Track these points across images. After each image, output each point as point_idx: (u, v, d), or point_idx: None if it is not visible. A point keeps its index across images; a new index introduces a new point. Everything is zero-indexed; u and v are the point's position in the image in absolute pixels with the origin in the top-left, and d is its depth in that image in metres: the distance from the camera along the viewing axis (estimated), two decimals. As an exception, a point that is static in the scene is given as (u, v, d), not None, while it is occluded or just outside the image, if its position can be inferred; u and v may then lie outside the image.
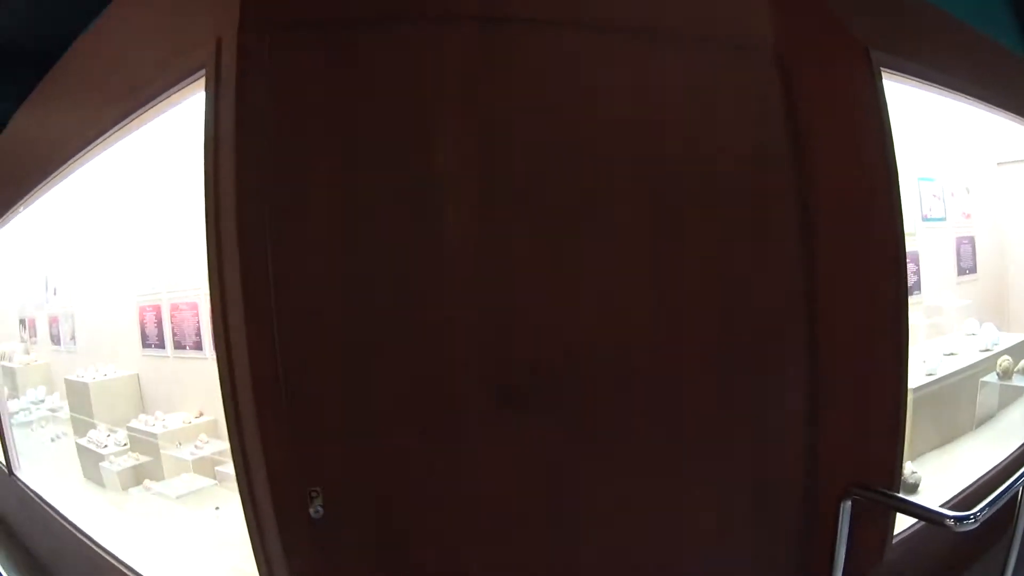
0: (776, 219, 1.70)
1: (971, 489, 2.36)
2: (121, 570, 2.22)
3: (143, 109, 1.79)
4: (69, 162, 2.38)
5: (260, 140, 1.31)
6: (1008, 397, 3.27)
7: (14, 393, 3.78)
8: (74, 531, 2.54)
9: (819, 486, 1.80)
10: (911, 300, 3.37)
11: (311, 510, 1.34)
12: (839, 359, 1.78)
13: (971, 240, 3.89)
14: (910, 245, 3.44)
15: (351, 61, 1.35)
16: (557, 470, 1.41)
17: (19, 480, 3.15)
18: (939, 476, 2.53)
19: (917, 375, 2.87)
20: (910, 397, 2.73)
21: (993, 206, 4.00)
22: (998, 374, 3.20)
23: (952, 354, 3.28)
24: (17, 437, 3.42)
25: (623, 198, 1.51)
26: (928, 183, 3.64)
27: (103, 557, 2.32)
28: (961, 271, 3.80)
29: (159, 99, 1.69)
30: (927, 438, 2.84)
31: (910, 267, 3.44)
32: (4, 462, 3.32)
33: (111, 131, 2.02)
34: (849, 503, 1.79)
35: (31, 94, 2.81)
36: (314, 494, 1.34)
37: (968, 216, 3.86)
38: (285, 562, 1.38)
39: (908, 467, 2.47)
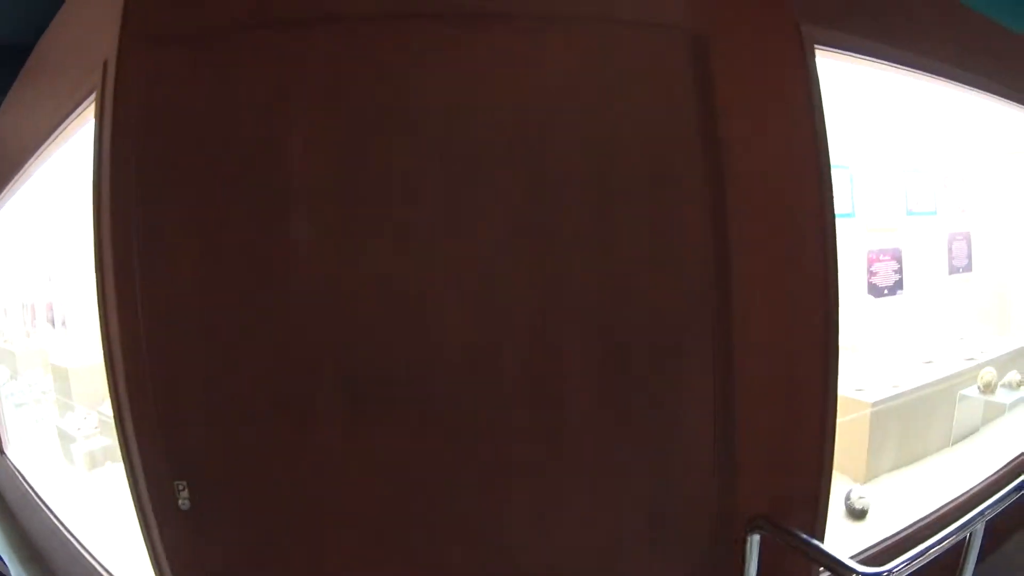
0: (685, 214, 1.60)
1: (924, 522, 2.21)
2: (75, 545, 2.46)
3: (66, 123, 1.96)
4: (32, 159, 2.56)
5: (132, 156, 1.44)
6: (994, 412, 3.13)
7: (13, 375, 4.12)
8: (44, 506, 2.82)
9: (729, 515, 1.68)
10: (892, 300, 3.34)
11: (179, 502, 1.50)
12: (755, 371, 1.67)
13: (967, 236, 3.76)
14: (892, 241, 3.38)
15: (217, 73, 1.43)
16: (413, 474, 1.50)
17: (7, 458, 3.47)
18: (896, 500, 2.41)
19: (881, 387, 2.79)
20: (867, 412, 2.68)
21: (998, 199, 3.84)
22: (979, 388, 3.08)
23: (929, 362, 3.19)
24: (12, 418, 3.75)
25: (496, 193, 1.47)
26: (917, 174, 3.53)
27: (62, 532, 2.58)
28: (953, 269, 3.68)
29: (71, 118, 1.85)
30: (888, 457, 2.74)
31: (892, 265, 3.38)
32: (-4, 441, 3.66)
33: (53, 135, 2.20)
34: (757, 537, 1.66)
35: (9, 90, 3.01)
36: (180, 487, 1.49)
37: (964, 210, 3.73)
38: (163, 549, 1.55)
39: (856, 491, 2.41)
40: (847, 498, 2.39)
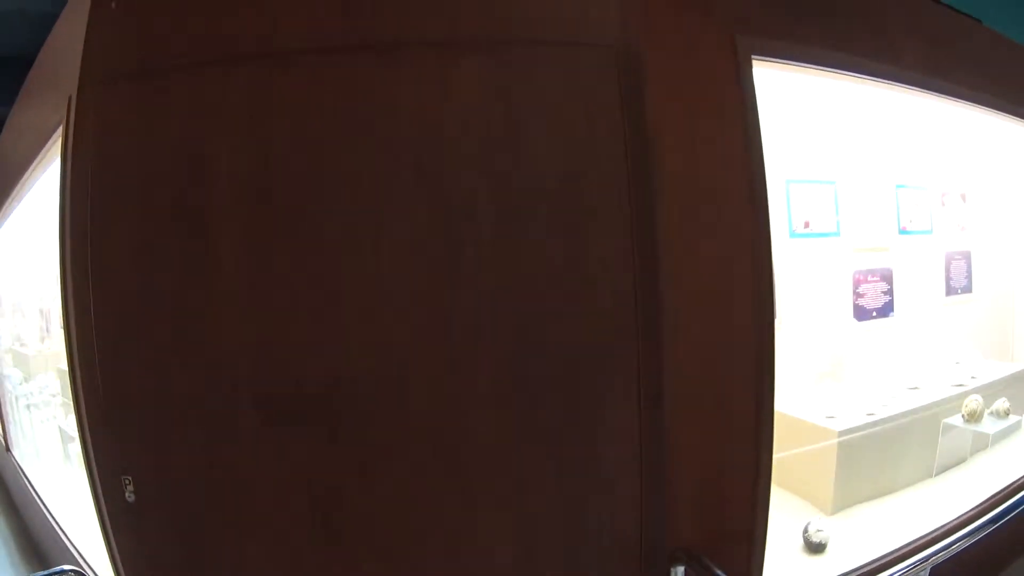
0: (614, 232, 1.63)
1: (879, 563, 2.17)
2: (62, 537, 2.70)
3: (49, 144, 2.20)
4: (31, 167, 2.79)
5: (88, 187, 1.64)
6: (981, 443, 3.06)
7: (27, 378, 4.46)
8: (39, 500, 3.08)
9: (655, 547, 1.68)
10: (882, 323, 3.32)
11: (126, 495, 1.68)
12: (684, 396, 1.67)
13: (966, 256, 3.73)
14: (883, 261, 3.38)
15: (159, 110, 1.60)
16: (321, 490, 1.60)
17: (13, 457, 3.77)
18: (864, 534, 2.38)
19: (855, 414, 2.75)
20: (835, 441, 2.61)
21: (1001, 217, 3.79)
22: (963, 416, 3.01)
23: (915, 388, 3.15)
24: (22, 418, 4.07)
25: (406, 217, 1.56)
26: (911, 190, 3.51)
27: (52, 525, 2.82)
28: (951, 291, 3.66)
29: (51, 142, 2.08)
30: (861, 488, 2.69)
31: (882, 286, 3.38)
32: (3, 440, 3.97)
33: (43, 151, 2.42)
34: (681, 570, 1.65)
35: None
36: (126, 481, 1.67)
37: (963, 228, 3.70)
38: (115, 539, 1.73)
39: (815, 523, 2.37)
40: (805, 531, 2.35)
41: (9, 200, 3.08)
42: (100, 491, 1.73)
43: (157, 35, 1.54)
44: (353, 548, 1.61)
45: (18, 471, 3.57)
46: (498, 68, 1.61)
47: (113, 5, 1.60)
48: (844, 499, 2.63)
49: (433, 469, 1.61)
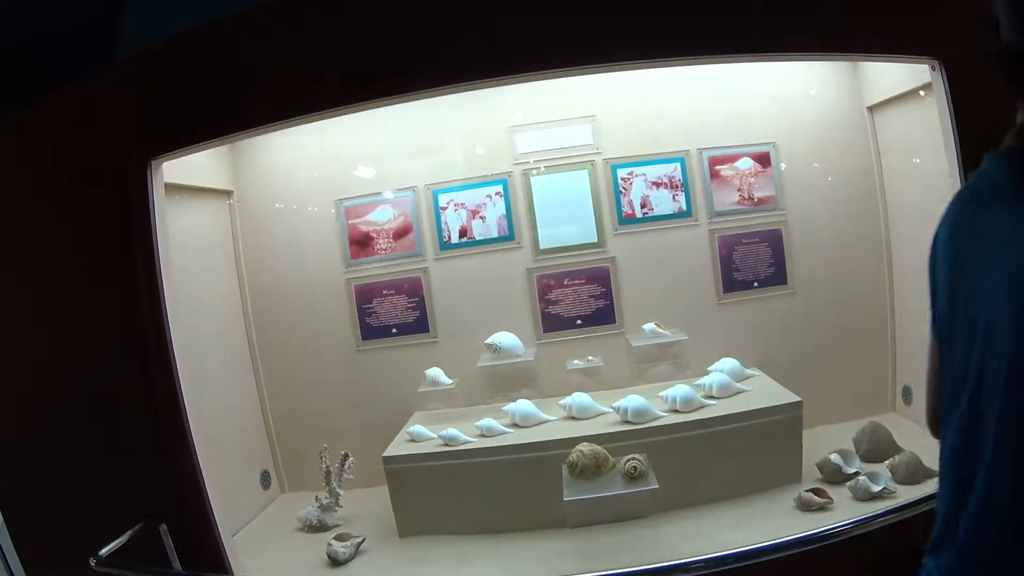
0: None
1: None
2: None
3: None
4: None
5: None
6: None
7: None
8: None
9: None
10: (603, 332, 3.05)
11: None
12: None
13: (772, 237, 2.87)
14: (599, 260, 2.99)
15: None
16: None
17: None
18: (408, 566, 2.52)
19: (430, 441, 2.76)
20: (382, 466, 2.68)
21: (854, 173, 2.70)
22: (567, 467, 2.45)
23: (571, 418, 2.78)
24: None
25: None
26: (639, 167, 2.98)
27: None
28: (738, 285, 2.95)
29: None
30: (440, 517, 2.69)
31: (596, 288, 3.07)
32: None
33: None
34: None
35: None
36: None
37: (757, 201, 2.86)
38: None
39: (336, 538, 2.61)
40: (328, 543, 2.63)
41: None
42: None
43: None
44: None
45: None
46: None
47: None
48: (413, 525, 2.72)
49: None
